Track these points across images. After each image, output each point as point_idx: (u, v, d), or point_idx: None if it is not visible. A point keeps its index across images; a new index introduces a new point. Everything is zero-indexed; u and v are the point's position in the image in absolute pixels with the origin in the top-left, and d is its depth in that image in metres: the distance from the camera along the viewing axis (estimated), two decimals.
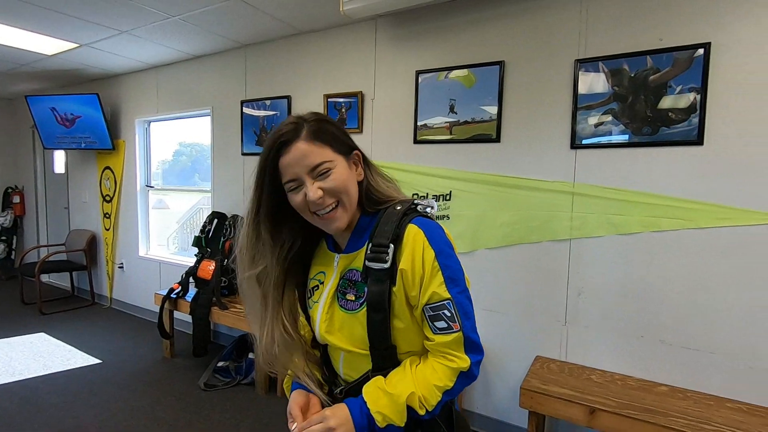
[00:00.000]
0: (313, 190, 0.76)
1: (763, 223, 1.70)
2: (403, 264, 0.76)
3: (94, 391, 2.68)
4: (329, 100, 2.77)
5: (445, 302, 0.76)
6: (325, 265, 0.88)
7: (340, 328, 0.83)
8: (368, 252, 0.78)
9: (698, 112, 1.77)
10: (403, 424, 0.75)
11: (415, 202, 0.82)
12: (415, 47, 2.46)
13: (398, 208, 0.80)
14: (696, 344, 1.83)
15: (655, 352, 1.90)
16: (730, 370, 1.77)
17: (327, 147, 0.77)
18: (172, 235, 6.39)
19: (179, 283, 3.12)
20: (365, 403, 0.76)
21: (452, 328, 0.76)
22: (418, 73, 2.43)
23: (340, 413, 0.76)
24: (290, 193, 0.79)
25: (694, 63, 1.77)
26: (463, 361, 0.78)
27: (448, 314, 0.76)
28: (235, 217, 3.20)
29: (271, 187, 0.79)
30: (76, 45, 3.24)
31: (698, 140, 1.78)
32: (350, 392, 0.84)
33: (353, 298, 0.81)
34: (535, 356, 2.15)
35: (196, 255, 3.21)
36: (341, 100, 2.73)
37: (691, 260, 1.83)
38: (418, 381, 0.76)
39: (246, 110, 3.19)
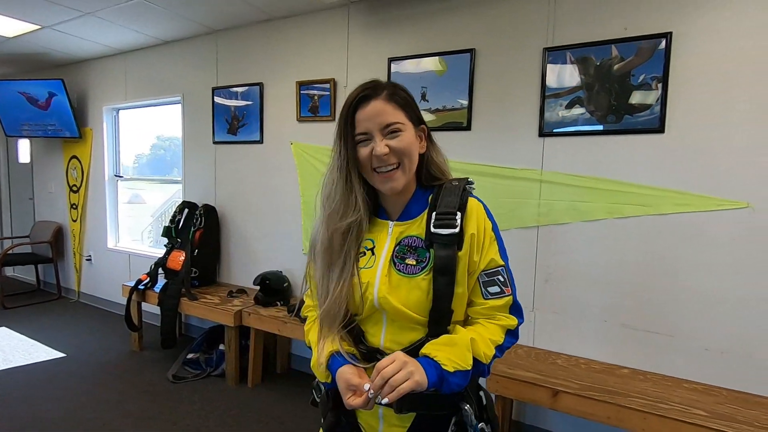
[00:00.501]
0: (381, 146, 0.80)
1: (718, 208, 1.75)
2: (472, 228, 0.82)
3: (57, 384, 2.59)
4: (302, 87, 2.73)
5: (499, 268, 0.83)
6: (373, 233, 0.88)
7: (397, 295, 0.81)
8: (434, 220, 0.82)
9: (660, 100, 1.81)
10: (470, 367, 0.76)
11: (468, 179, 0.88)
12: (387, 35, 2.44)
13: (455, 183, 0.86)
14: (655, 328, 1.88)
15: (618, 336, 1.95)
16: (687, 353, 1.82)
17: (401, 111, 0.83)
18: (147, 228, 6.24)
19: (148, 274, 3.04)
20: (428, 355, 0.76)
21: (504, 293, 0.83)
22: (391, 60, 2.42)
23: (410, 359, 0.74)
24: (359, 145, 0.82)
25: (656, 52, 1.81)
26: (512, 320, 0.84)
27: (502, 279, 0.83)
28: (206, 206, 3.13)
29: (352, 140, 0.83)
30: (38, 26, 3.10)
31: (660, 128, 1.82)
32: (408, 400, 0.79)
33: (414, 263, 0.82)
34: None
35: (165, 245, 3.13)
36: (314, 87, 2.70)
37: (652, 246, 1.87)
38: (473, 334, 0.80)
39: (217, 99, 3.12)
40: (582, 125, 1.97)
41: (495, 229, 0.86)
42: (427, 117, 2.33)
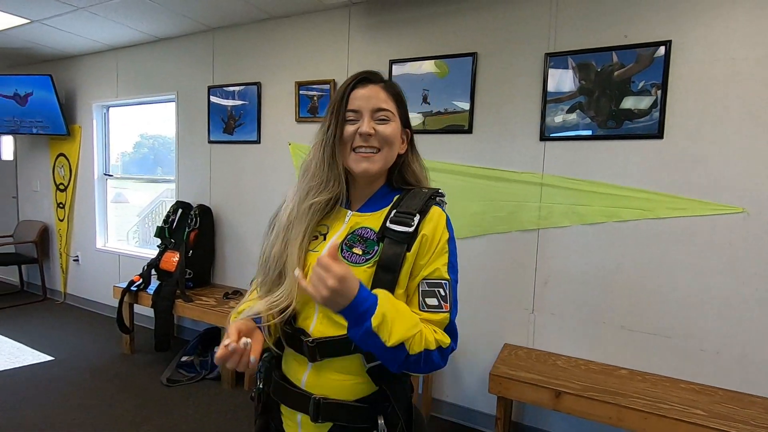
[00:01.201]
0: (368, 125, 0.82)
1: (713, 213, 1.80)
2: (426, 231, 0.81)
3: (44, 389, 2.52)
4: (301, 87, 2.72)
5: (443, 282, 0.80)
6: (329, 219, 0.88)
7: None
8: (392, 216, 0.82)
9: (659, 107, 1.85)
10: (390, 343, 0.69)
11: (440, 191, 0.88)
12: (389, 37, 2.45)
13: (425, 191, 0.87)
14: (653, 329, 1.91)
15: (616, 337, 1.98)
16: (683, 353, 1.86)
17: (393, 102, 0.86)
18: (133, 229, 6.11)
19: (140, 275, 2.98)
20: (374, 295, 0.72)
21: (442, 308, 0.79)
22: (392, 62, 2.42)
23: (354, 278, 0.71)
24: (347, 123, 0.84)
25: (655, 60, 1.85)
26: (446, 338, 0.78)
27: (443, 294, 0.79)
28: (201, 206, 3.09)
29: (343, 116, 0.83)
30: (27, 21, 3.02)
31: (659, 134, 1.86)
32: (322, 346, 0.79)
33: (360, 252, 0.81)
34: (503, 344, 2.20)
35: (158, 246, 3.08)
36: (313, 88, 2.68)
37: (649, 249, 1.91)
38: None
39: (213, 98, 3.08)
40: (582, 130, 2.01)
41: (451, 242, 0.83)
42: (429, 120, 2.34)
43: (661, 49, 1.84)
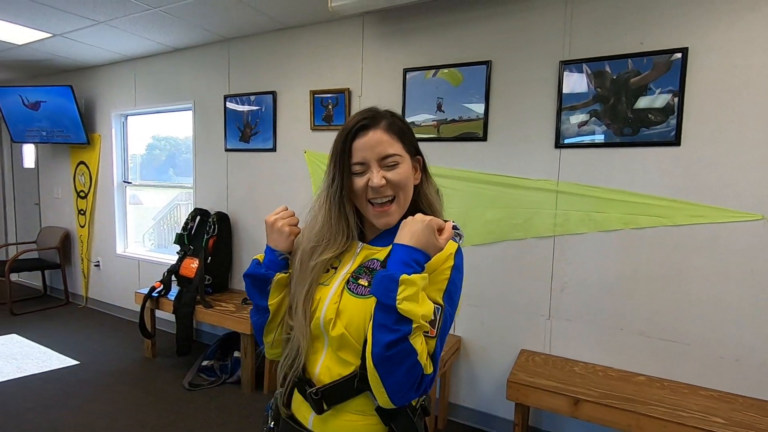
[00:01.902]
0: (378, 177, 0.78)
1: (733, 220, 1.79)
2: (431, 264, 0.76)
3: (71, 393, 2.60)
4: (316, 96, 2.76)
5: (435, 306, 0.74)
6: (342, 252, 0.86)
7: (342, 312, 0.78)
8: None
9: (676, 114, 1.85)
10: (400, 307, 0.66)
11: (454, 224, 0.83)
12: (403, 45, 2.47)
13: None
14: (671, 336, 1.92)
15: (634, 343, 1.99)
16: (702, 360, 1.86)
17: (398, 141, 0.81)
18: (148, 231, 6.22)
19: (161, 282, 3.05)
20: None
21: (429, 333, 0.73)
22: (406, 71, 2.44)
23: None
24: (354, 176, 0.81)
25: (672, 67, 1.85)
26: (430, 366, 0.72)
27: (432, 318, 0.72)
28: (218, 213, 3.15)
29: (348, 169, 0.81)
30: (49, 35, 3.11)
31: (676, 141, 1.86)
32: (327, 394, 0.77)
33: (365, 284, 0.79)
34: (520, 350, 2.21)
35: (178, 253, 3.15)
36: (328, 96, 2.72)
37: (668, 256, 1.91)
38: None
39: (229, 105, 3.14)
40: (598, 137, 2.01)
41: (454, 271, 0.78)
42: (443, 127, 2.36)
43: (678, 56, 1.83)
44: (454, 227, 0.82)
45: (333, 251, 0.82)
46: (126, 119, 3.96)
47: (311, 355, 0.83)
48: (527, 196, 2.18)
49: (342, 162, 0.80)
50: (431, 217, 0.74)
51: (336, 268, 0.85)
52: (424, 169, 0.89)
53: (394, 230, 0.83)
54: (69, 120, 3.89)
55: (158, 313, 3.19)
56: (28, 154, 4.80)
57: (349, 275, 0.82)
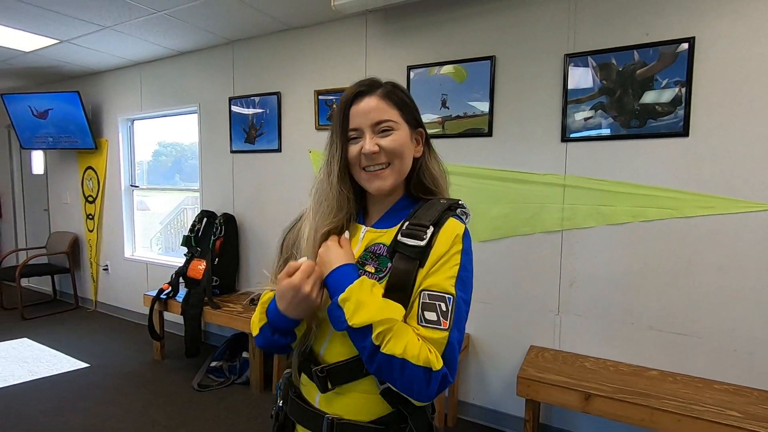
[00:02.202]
0: (370, 143, 0.77)
1: (743, 211, 1.77)
2: (441, 248, 0.74)
3: (82, 395, 2.62)
4: (320, 96, 2.76)
5: (446, 296, 0.71)
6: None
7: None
8: (404, 228, 0.76)
9: (683, 104, 1.83)
10: (353, 322, 0.67)
11: (460, 202, 0.81)
12: (406, 42, 2.47)
13: (443, 201, 0.80)
14: (683, 329, 1.89)
15: (645, 338, 1.96)
16: (716, 354, 1.84)
17: (395, 109, 0.80)
18: (156, 236, 6.27)
19: (169, 284, 3.07)
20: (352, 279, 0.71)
21: (441, 325, 0.69)
22: (410, 68, 2.44)
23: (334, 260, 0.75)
24: (350, 143, 0.79)
25: (678, 57, 1.83)
26: (438, 362, 0.67)
27: (444, 309, 0.70)
28: (225, 215, 3.16)
29: (345, 135, 0.79)
30: (56, 41, 3.14)
31: (684, 132, 1.84)
32: (332, 374, 0.76)
33: (372, 270, 0.77)
34: (529, 346, 2.20)
35: (185, 255, 3.16)
36: (332, 96, 2.73)
37: (677, 248, 1.89)
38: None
39: (234, 107, 3.15)
40: (605, 130, 2.00)
41: (464, 255, 0.75)
42: (448, 124, 2.35)
43: (684, 47, 1.82)
44: (461, 205, 0.81)
45: (336, 222, 0.80)
46: (132, 124, 4.00)
47: (318, 334, 0.82)
48: (534, 191, 2.17)
49: (339, 130, 0.79)
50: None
51: None
52: (427, 143, 0.86)
53: (396, 211, 0.83)
54: (76, 126, 3.94)
55: (167, 315, 3.21)
56: (37, 160, 4.85)
57: (354, 261, 0.80)
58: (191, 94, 3.41)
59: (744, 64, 1.73)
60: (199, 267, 3.03)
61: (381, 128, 0.78)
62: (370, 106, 0.78)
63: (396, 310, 0.69)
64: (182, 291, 3.05)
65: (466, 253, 0.76)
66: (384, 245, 0.79)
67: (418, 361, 0.65)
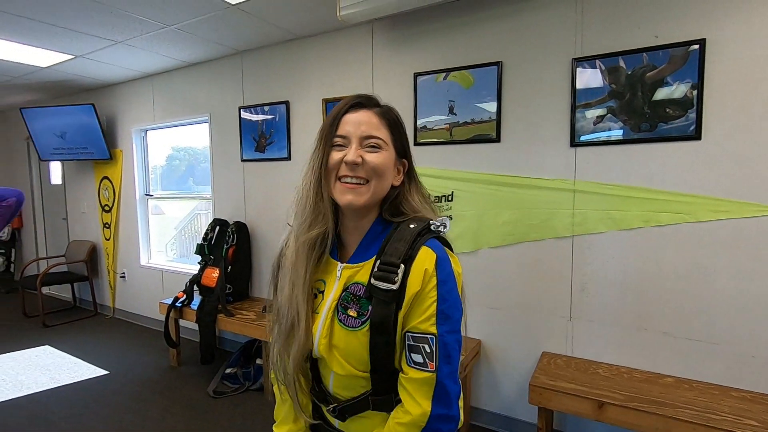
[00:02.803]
0: (354, 153, 0.74)
1: (759, 215, 1.73)
2: (414, 287, 0.71)
3: (103, 402, 2.68)
4: (328, 104, 2.79)
5: (428, 336, 0.70)
6: (325, 273, 0.82)
7: (337, 347, 0.76)
8: (375, 269, 0.73)
9: (695, 107, 1.80)
10: None
11: (430, 221, 0.77)
12: (412, 49, 2.48)
13: (412, 226, 0.76)
14: (698, 335, 1.86)
15: (659, 344, 1.94)
16: (732, 360, 1.80)
17: (387, 130, 0.78)
18: (170, 241, 6.37)
19: (184, 292, 3.13)
20: None
21: (428, 367, 0.70)
22: (416, 75, 2.45)
23: None
24: (334, 148, 0.76)
25: (689, 59, 1.80)
26: (418, 409, 0.69)
27: (428, 350, 0.70)
28: (237, 223, 3.21)
29: (330, 141, 0.77)
30: (71, 56, 3.23)
31: (696, 135, 1.81)
32: (345, 410, 0.80)
33: (355, 315, 0.75)
34: (542, 352, 2.18)
35: (199, 263, 3.22)
36: None
37: (691, 253, 1.86)
38: None
39: (244, 116, 3.20)
40: (615, 134, 1.98)
41: (441, 287, 0.71)
42: (456, 130, 2.35)
43: (695, 48, 1.79)
44: (431, 224, 0.76)
45: (316, 230, 0.77)
46: (146, 134, 4.08)
47: (322, 368, 0.83)
48: (544, 197, 2.15)
49: (328, 135, 0.77)
50: None
51: (323, 293, 0.81)
52: (408, 175, 0.83)
53: (371, 240, 0.79)
54: (92, 137, 4.03)
55: (182, 323, 3.26)
56: (55, 171, 4.98)
57: (335, 302, 0.78)
58: (202, 104, 3.46)
59: (757, 65, 1.70)
60: (213, 275, 3.08)
61: (369, 143, 0.76)
62: (364, 119, 0.76)
63: None
64: (196, 299, 3.11)
65: (444, 283, 0.72)
66: (362, 285, 0.76)
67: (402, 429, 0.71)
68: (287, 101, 2.98)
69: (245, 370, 2.91)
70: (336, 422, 0.83)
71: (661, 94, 1.87)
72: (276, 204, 3.14)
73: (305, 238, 0.77)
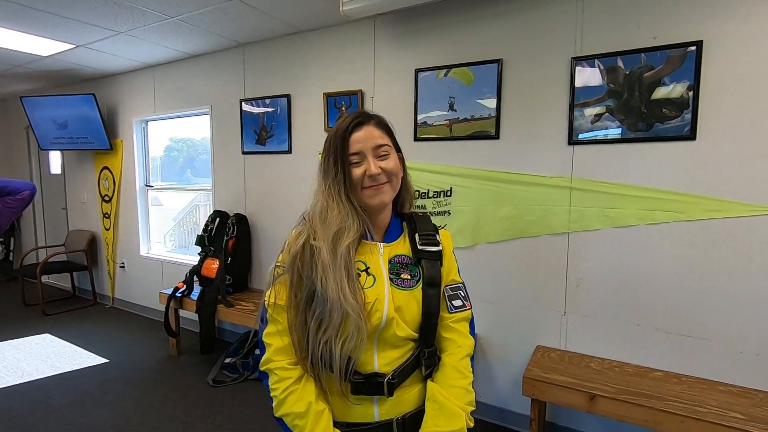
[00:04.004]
0: (374, 166, 0.88)
1: (751, 214, 1.77)
2: (447, 248, 1.00)
3: (104, 389, 2.72)
4: (329, 98, 2.80)
5: (460, 285, 1.01)
6: (362, 255, 0.91)
7: (399, 307, 0.89)
8: (419, 239, 0.96)
9: (691, 108, 1.84)
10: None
11: (429, 212, 1.03)
12: (414, 45, 2.49)
13: (420, 214, 1.02)
14: (689, 331, 1.91)
15: (651, 339, 1.99)
16: (721, 355, 1.85)
17: (387, 136, 0.94)
18: (169, 232, 6.39)
19: (184, 282, 3.16)
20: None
21: (465, 306, 0.98)
22: (418, 71, 2.47)
23: None
24: (352, 166, 0.89)
25: (686, 60, 1.83)
26: (470, 341, 0.98)
27: (463, 294, 0.99)
28: (237, 215, 3.23)
29: (348, 159, 0.89)
30: (73, 46, 3.23)
31: (691, 135, 1.85)
32: (400, 375, 0.89)
33: (408, 277, 0.92)
34: (536, 346, 2.23)
35: (199, 254, 3.25)
36: (341, 98, 2.76)
37: (684, 251, 1.90)
38: (455, 397, 0.91)
39: (245, 108, 3.21)
40: (612, 133, 2.01)
41: (455, 253, 1.04)
42: (456, 126, 2.38)
43: (692, 50, 1.82)
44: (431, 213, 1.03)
45: (355, 234, 0.87)
46: (146, 125, 4.08)
47: (362, 354, 0.86)
48: (541, 193, 2.19)
49: (343, 156, 0.88)
50: None
51: (367, 270, 0.90)
52: (403, 164, 1.00)
53: (394, 227, 0.99)
54: (92, 127, 4.04)
55: (182, 313, 3.30)
56: (55, 160, 4.98)
57: (387, 273, 0.92)
58: (203, 96, 3.47)
59: (752, 67, 1.73)
60: (213, 266, 3.11)
61: (380, 152, 0.90)
62: (370, 133, 0.90)
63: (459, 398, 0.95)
64: (197, 289, 3.14)
65: (454, 251, 1.04)
66: (406, 256, 0.95)
67: (470, 370, 0.98)
68: (289, 94, 3.00)
69: (244, 360, 2.95)
70: (374, 411, 0.89)
71: (658, 94, 1.90)
72: (277, 196, 3.17)
73: (348, 242, 0.85)
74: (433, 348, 0.94)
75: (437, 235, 0.98)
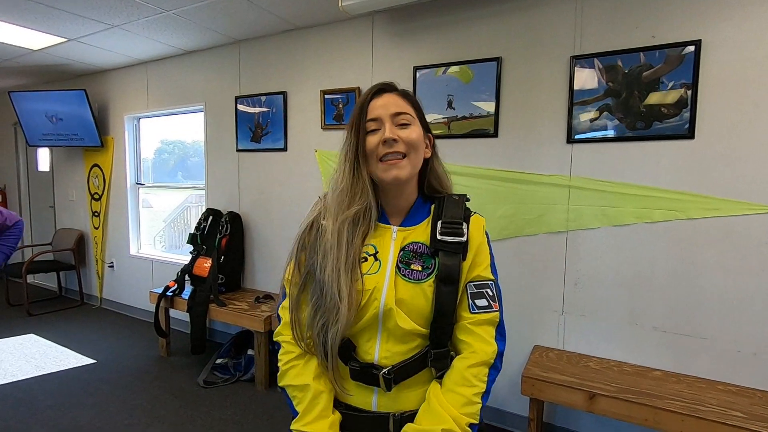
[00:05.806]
0: (391, 130, 0.81)
1: (748, 213, 1.78)
2: (476, 240, 0.86)
3: (89, 391, 2.64)
4: (326, 95, 2.78)
5: (489, 282, 0.86)
6: (375, 238, 0.86)
7: (402, 300, 0.81)
8: (440, 227, 0.84)
9: (689, 107, 1.84)
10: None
11: (467, 196, 0.91)
12: (413, 43, 2.48)
13: (455, 197, 0.90)
14: (687, 330, 1.90)
15: (649, 338, 1.98)
16: (719, 355, 1.85)
17: (411, 107, 0.86)
18: (159, 234, 6.29)
19: (175, 281, 3.09)
20: None
21: (492, 308, 0.84)
22: (416, 69, 2.46)
23: None
24: (369, 134, 0.83)
25: (685, 60, 1.84)
26: (492, 347, 0.83)
27: (490, 294, 0.85)
28: (231, 213, 3.18)
29: (364, 127, 0.83)
30: (64, 39, 3.16)
31: (689, 134, 1.85)
32: (399, 371, 0.81)
33: (420, 269, 0.83)
34: (534, 345, 2.21)
35: (191, 252, 3.18)
36: (338, 96, 2.74)
37: (682, 250, 1.90)
38: (451, 406, 0.80)
39: (240, 106, 3.17)
40: (610, 132, 2.01)
41: (489, 245, 0.89)
42: (454, 124, 2.37)
43: (691, 49, 1.83)
44: (468, 199, 0.92)
45: (355, 207, 0.82)
46: (138, 122, 4.02)
47: (364, 342, 0.84)
48: (539, 192, 2.18)
49: (358, 121, 0.83)
50: None
51: (375, 255, 0.85)
52: (434, 148, 0.93)
53: (418, 210, 0.89)
54: (83, 124, 3.96)
55: (172, 312, 3.23)
56: (43, 157, 4.88)
57: (396, 260, 0.84)
58: (197, 92, 3.42)
59: (750, 66, 1.74)
60: (205, 265, 3.05)
61: (400, 120, 0.83)
62: (390, 101, 0.84)
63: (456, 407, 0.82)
64: (188, 288, 3.08)
65: (489, 243, 0.90)
66: (422, 244, 0.85)
67: (484, 380, 0.83)
68: (285, 92, 2.97)
69: (236, 360, 2.89)
70: (373, 400, 0.85)
71: (657, 93, 1.90)
72: (271, 195, 3.13)
73: (344, 216, 0.82)
74: (444, 349, 0.84)
75: (463, 225, 0.84)
